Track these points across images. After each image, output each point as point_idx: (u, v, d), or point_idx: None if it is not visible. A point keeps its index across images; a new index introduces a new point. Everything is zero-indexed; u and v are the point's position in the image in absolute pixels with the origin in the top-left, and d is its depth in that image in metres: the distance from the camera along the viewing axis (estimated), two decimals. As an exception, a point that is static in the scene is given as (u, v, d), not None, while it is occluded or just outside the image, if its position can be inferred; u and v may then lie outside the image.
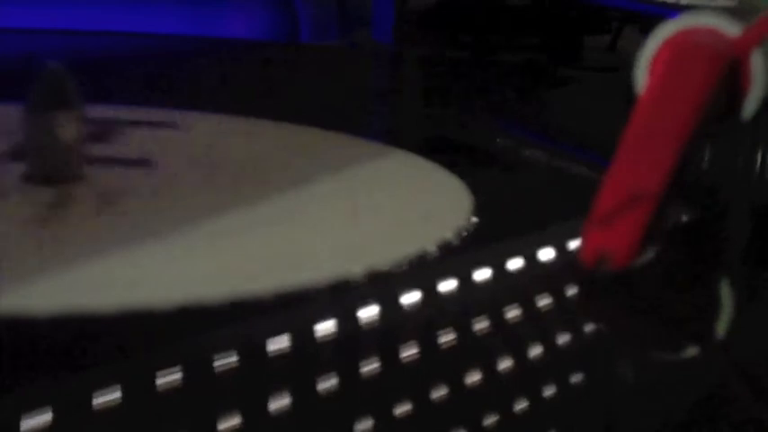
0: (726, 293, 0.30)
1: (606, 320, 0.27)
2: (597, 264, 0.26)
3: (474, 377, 0.22)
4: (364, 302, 0.25)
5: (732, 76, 0.32)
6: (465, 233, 0.29)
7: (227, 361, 0.22)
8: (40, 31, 0.54)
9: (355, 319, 0.25)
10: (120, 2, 0.56)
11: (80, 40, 0.53)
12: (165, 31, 0.56)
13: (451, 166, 0.35)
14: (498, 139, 0.44)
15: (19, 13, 0.55)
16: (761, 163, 0.43)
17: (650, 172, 0.27)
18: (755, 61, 0.32)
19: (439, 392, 0.22)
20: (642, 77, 0.32)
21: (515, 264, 0.29)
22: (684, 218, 0.33)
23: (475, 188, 0.33)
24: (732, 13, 0.33)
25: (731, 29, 0.32)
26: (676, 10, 0.41)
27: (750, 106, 0.33)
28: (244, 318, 0.24)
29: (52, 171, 0.31)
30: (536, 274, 0.28)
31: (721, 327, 0.27)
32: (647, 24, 0.34)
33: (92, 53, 0.49)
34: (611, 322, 0.27)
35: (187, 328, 0.23)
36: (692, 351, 0.26)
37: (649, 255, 0.28)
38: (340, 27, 0.58)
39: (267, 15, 0.57)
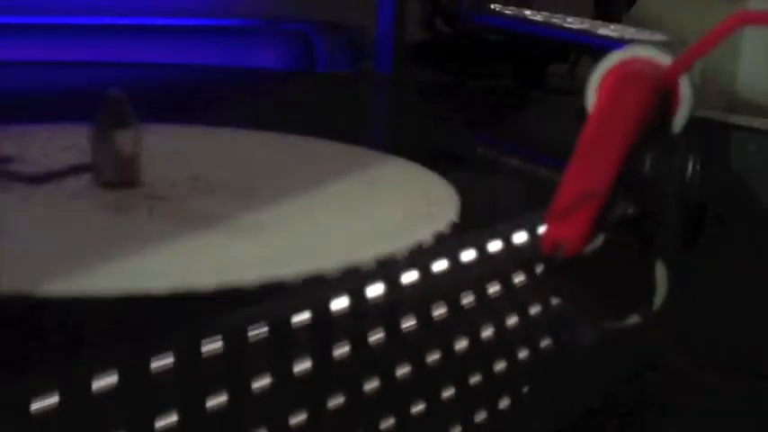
0: (661, 273, 0.30)
1: (564, 296, 0.27)
2: (554, 250, 0.26)
3: (462, 344, 0.22)
4: (372, 283, 0.25)
5: (665, 98, 0.32)
6: (455, 224, 0.29)
7: (258, 332, 0.22)
8: (99, 63, 0.54)
9: (365, 297, 0.24)
10: (161, 38, 0.56)
11: (128, 72, 0.52)
12: (200, 62, 0.55)
13: (441, 170, 0.35)
14: (479, 149, 0.44)
15: (81, 49, 0.55)
16: (691, 168, 0.43)
17: (598, 174, 0.28)
18: (683, 85, 0.32)
19: (433, 357, 0.21)
20: (591, 98, 0.33)
21: (495, 246, 0.29)
22: (628, 211, 0.33)
23: (461, 188, 0.32)
24: (665, 46, 0.34)
25: (664, 59, 0.32)
26: (622, 44, 0.41)
27: (679, 122, 0.33)
28: (273, 298, 0.24)
29: (114, 178, 0.31)
30: (512, 255, 0.28)
31: (657, 301, 0.27)
32: (599, 55, 0.34)
33: (138, 82, 0.48)
34: (569, 297, 0.27)
35: (226, 307, 0.23)
36: (632, 321, 0.26)
37: (598, 242, 0.28)
38: (349, 59, 0.58)
39: (289, 49, 0.57)
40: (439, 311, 0.24)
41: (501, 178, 0.39)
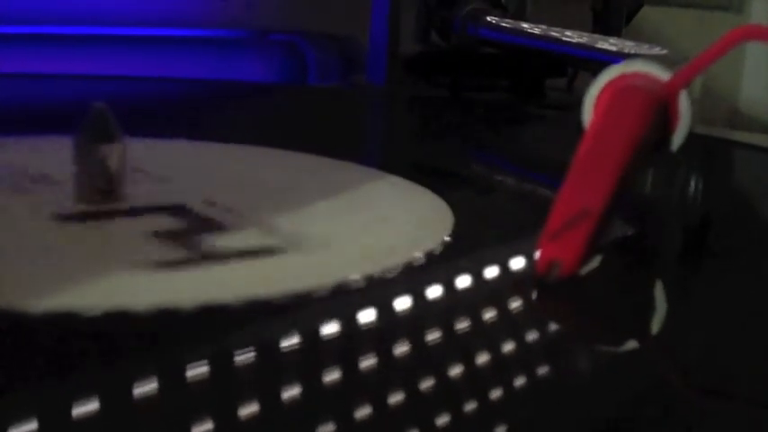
0: (660, 296, 0.30)
1: (561, 318, 0.27)
2: (549, 271, 0.26)
3: (456, 370, 0.22)
4: (361, 303, 0.25)
5: (663, 114, 0.32)
6: (448, 242, 0.29)
7: (245, 355, 0.22)
8: (82, 76, 0.54)
9: (354, 319, 0.24)
10: (146, 49, 0.56)
11: (111, 85, 0.52)
12: (187, 75, 0.56)
13: (435, 187, 0.35)
14: (474, 165, 0.44)
15: (62, 61, 0.55)
16: (692, 186, 0.43)
17: (593, 193, 0.27)
18: (682, 101, 0.32)
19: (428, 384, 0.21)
20: (588, 114, 0.33)
21: (489, 266, 0.28)
22: (627, 232, 0.33)
23: (454, 205, 0.33)
24: (665, 59, 0.34)
25: (662, 74, 0.33)
26: (620, 57, 0.42)
27: (678, 139, 0.33)
28: (260, 319, 0.24)
29: (97, 193, 0.31)
30: (507, 276, 0.28)
31: (656, 324, 0.27)
32: (598, 69, 0.35)
33: (122, 95, 0.48)
34: (565, 320, 0.27)
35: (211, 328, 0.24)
36: (630, 345, 0.26)
37: (595, 263, 0.28)
38: (341, 71, 0.58)
39: (279, 61, 0.57)
40: (431, 333, 0.24)
41: (496, 196, 0.40)
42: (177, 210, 0.31)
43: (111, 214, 0.30)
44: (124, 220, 0.30)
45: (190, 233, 0.29)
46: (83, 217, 0.30)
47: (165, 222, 0.29)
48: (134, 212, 0.30)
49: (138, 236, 0.28)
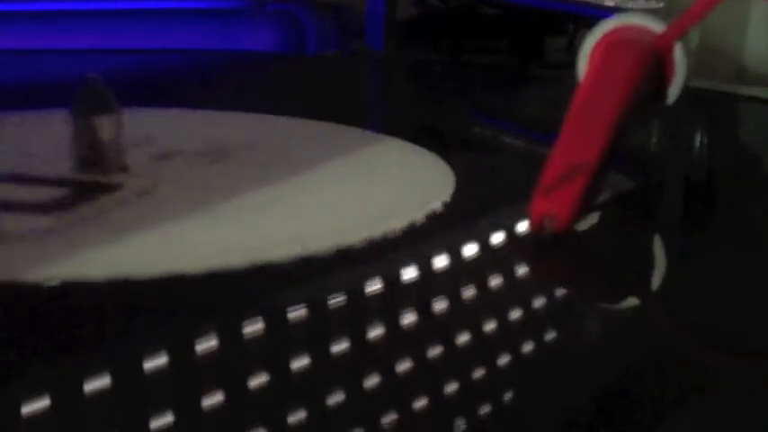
0: (660, 250, 0.30)
1: (561, 277, 0.27)
2: (542, 226, 0.26)
3: (463, 337, 0.22)
4: (364, 264, 0.25)
5: (658, 67, 0.32)
6: (449, 205, 0.29)
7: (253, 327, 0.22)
8: (79, 50, 0.54)
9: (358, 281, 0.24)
10: (144, 22, 0.56)
11: (109, 58, 0.53)
12: (185, 46, 0.56)
13: (436, 149, 0.35)
14: (475, 127, 0.44)
15: (59, 35, 0.55)
16: (697, 141, 0.43)
17: (587, 147, 0.27)
18: (677, 54, 0.32)
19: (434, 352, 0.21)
20: (583, 67, 0.33)
21: (491, 227, 0.28)
22: (628, 187, 0.33)
23: (456, 167, 0.33)
24: (658, 13, 0.34)
25: (657, 26, 0.32)
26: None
27: (673, 92, 0.33)
28: (264, 280, 0.24)
29: (94, 164, 0.31)
30: (508, 237, 0.28)
31: (657, 280, 0.27)
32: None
33: (120, 68, 0.48)
34: (565, 278, 0.27)
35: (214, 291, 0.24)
36: (631, 303, 0.26)
37: (593, 218, 0.28)
38: (339, 38, 0.58)
39: (277, 31, 0.57)
40: (435, 297, 0.24)
41: (497, 157, 0.40)
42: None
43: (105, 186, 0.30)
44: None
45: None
46: (79, 188, 0.30)
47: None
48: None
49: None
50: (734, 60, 0.55)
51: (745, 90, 0.52)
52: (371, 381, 0.20)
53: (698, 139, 0.43)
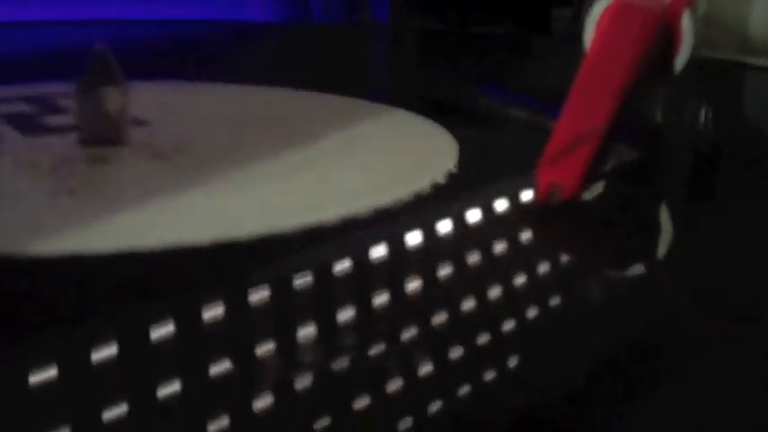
0: (666, 220, 0.30)
1: (565, 244, 0.27)
2: (549, 195, 0.26)
3: (469, 303, 0.22)
4: (368, 234, 0.25)
5: (666, 35, 0.32)
6: (454, 174, 0.29)
7: (259, 296, 0.22)
8: (83, 22, 0.54)
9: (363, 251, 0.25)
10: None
11: (114, 29, 0.52)
12: (190, 17, 0.55)
13: (441, 120, 0.35)
14: (481, 98, 0.44)
15: (64, 6, 0.55)
16: (703, 112, 0.42)
17: (593, 116, 0.27)
18: (685, 22, 0.32)
19: (440, 318, 0.21)
20: (589, 36, 0.32)
21: (496, 197, 0.28)
22: (634, 156, 0.33)
23: (461, 138, 0.33)
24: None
25: (664, -6, 0.32)
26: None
27: (681, 61, 0.32)
28: (271, 251, 0.24)
29: (101, 136, 0.31)
30: (513, 206, 0.28)
31: (662, 249, 0.27)
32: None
33: (125, 39, 0.48)
34: (572, 247, 0.27)
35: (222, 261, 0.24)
36: (637, 270, 0.26)
37: (599, 188, 0.28)
38: (345, 10, 0.57)
39: (285, 3, 0.57)
40: (441, 265, 0.24)
41: (502, 128, 0.39)
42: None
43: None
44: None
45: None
46: (86, 159, 0.30)
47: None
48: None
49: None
50: (738, 30, 0.55)
51: (750, 60, 0.52)
52: (382, 346, 0.20)
53: (703, 109, 0.43)
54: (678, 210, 0.30)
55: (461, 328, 0.21)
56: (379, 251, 0.25)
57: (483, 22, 0.57)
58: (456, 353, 0.20)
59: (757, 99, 0.48)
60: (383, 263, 0.24)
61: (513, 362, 0.20)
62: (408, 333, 0.21)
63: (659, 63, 0.32)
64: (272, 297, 0.22)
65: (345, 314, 0.21)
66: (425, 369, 0.19)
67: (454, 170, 0.30)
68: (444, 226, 0.26)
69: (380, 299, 0.22)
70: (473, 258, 0.25)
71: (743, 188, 0.32)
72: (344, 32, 0.57)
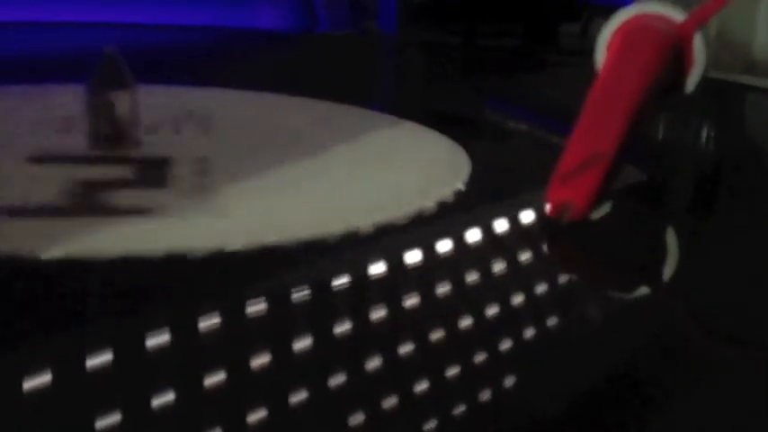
0: (672, 241, 0.30)
1: (573, 265, 0.27)
2: (560, 214, 0.26)
3: (466, 321, 0.22)
4: (372, 249, 0.25)
5: (677, 56, 0.32)
6: (465, 189, 0.29)
7: (256, 308, 0.22)
8: (92, 24, 0.53)
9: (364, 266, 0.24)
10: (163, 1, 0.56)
11: (122, 33, 0.52)
12: (197, 23, 0.55)
13: (450, 133, 0.34)
14: (488, 112, 0.44)
15: (71, 9, 0.55)
16: (705, 132, 0.42)
17: (605, 136, 0.27)
18: (697, 43, 0.32)
19: (435, 331, 0.21)
20: (601, 56, 0.32)
21: (503, 215, 0.28)
22: (640, 177, 0.33)
23: (470, 152, 0.32)
24: (679, 2, 0.33)
25: (676, 15, 0.32)
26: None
27: (692, 82, 0.32)
28: (272, 264, 0.24)
29: (110, 139, 0.31)
30: (520, 225, 0.28)
31: (668, 270, 0.27)
32: (611, 12, 0.34)
33: (133, 44, 0.48)
34: (578, 267, 0.27)
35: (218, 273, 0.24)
36: (643, 291, 0.26)
37: (606, 208, 0.28)
38: (351, 19, 0.57)
39: (288, 9, 0.56)
40: (442, 283, 0.24)
41: (511, 142, 0.39)
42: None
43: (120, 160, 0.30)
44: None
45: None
46: (95, 162, 0.30)
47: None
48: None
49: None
50: (742, 51, 0.55)
51: (754, 81, 0.52)
52: (404, 352, 0.20)
53: (706, 129, 0.43)
54: (683, 229, 0.30)
55: (483, 337, 0.21)
56: (380, 265, 0.24)
57: (489, 35, 0.57)
58: (454, 370, 0.20)
59: (762, 120, 0.48)
60: (387, 278, 0.24)
61: (510, 381, 0.20)
62: (408, 354, 0.20)
63: (670, 84, 0.32)
64: (269, 310, 0.21)
65: (344, 329, 0.21)
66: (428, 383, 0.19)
67: (462, 187, 0.29)
68: (473, 235, 0.26)
69: (379, 315, 0.22)
70: (475, 276, 0.24)
71: (746, 207, 0.32)
72: (350, 42, 0.57)
